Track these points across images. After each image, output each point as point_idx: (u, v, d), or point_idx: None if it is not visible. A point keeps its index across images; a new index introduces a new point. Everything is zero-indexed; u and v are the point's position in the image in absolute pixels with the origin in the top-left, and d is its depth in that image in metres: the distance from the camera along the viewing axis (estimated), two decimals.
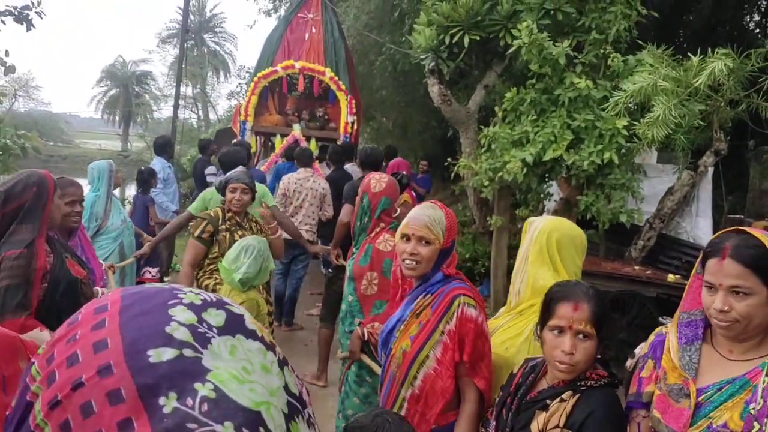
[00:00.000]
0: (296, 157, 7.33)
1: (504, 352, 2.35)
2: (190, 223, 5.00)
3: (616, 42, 6.28)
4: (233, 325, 0.71)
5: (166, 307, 0.69)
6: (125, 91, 48.82)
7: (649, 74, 5.57)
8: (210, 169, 8.88)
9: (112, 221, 5.27)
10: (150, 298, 0.71)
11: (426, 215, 2.37)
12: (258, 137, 10.03)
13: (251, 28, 25.02)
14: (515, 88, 6.50)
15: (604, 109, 5.96)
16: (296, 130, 9.66)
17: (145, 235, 6.52)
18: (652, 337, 1.98)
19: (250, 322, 0.74)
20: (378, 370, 3.24)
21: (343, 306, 3.73)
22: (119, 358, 0.65)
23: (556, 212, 6.71)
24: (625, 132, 5.81)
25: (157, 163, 8.08)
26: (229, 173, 4.56)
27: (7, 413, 0.70)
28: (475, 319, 2.27)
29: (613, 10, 6.18)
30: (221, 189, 4.41)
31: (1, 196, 2.70)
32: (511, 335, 2.38)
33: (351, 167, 8.00)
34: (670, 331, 1.90)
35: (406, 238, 2.38)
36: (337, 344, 4.12)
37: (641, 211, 6.48)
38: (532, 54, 6.13)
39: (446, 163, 7.51)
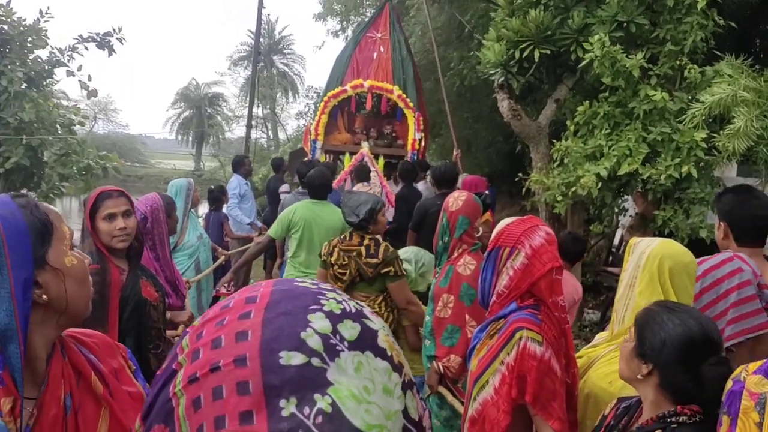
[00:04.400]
0: (354, 173, 7.49)
1: (608, 386, 2.19)
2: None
3: (692, 53, 6.11)
4: (365, 341, 0.73)
5: (306, 312, 0.73)
6: (198, 112, 50.44)
7: (729, 85, 5.40)
8: (284, 187, 9.14)
9: (188, 238, 5.43)
10: (295, 299, 0.75)
11: None
12: (328, 155, 10.18)
13: (320, 48, 25.66)
14: (587, 102, 6.40)
15: (681, 122, 5.81)
16: (365, 148, 9.75)
17: (220, 249, 6.71)
18: (729, 384, 1.65)
19: (383, 340, 0.75)
20: (455, 403, 3.24)
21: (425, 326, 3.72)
22: (255, 353, 0.69)
23: (631, 228, 6.56)
24: (704, 145, 5.64)
25: (234, 180, 8.34)
26: (364, 198, 4.20)
27: (157, 372, 0.77)
28: (539, 356, 2.15)
29: (688, 20, 6.03)
30: (370, 217, 4.08)
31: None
32: (616, 368, 2.12)
33: (423, 185, 8.05)
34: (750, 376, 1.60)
35: None
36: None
37: None
38: (604, 67, 6.03)
39: (516, 179, 7.45)
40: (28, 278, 1.25)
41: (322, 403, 0.66)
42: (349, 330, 0.73)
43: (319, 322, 0.72)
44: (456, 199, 3.50)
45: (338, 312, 0.74)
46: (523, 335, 2.18)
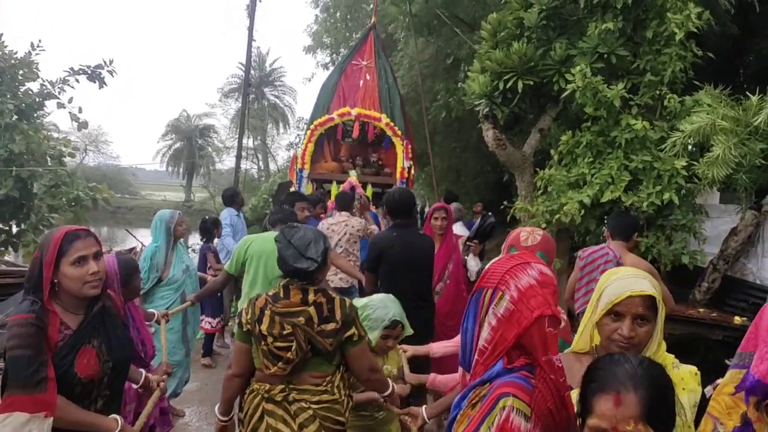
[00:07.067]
0: (335, 201, 7.32)
1: None
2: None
3: (671, 83, 6.26)
4: None
5: None
6: (189, 144, 50.54)
7: (707, 114, 5.53)
8: None
9: (173, 272, 5.26)
10: None
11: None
12: (314, 184, 10.08)
13: (310, 80, 25.93)
14: (570, 131, 6.52)
15: (661, 150, 5.93)
16: (352, 176, 9.69)
17: (210, 277, 6.68)
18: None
19: None
20: None
21: None
22: None
23: None
24: (684, 172, 5.75)
25: (225, 213, 8.32)
26: (311, 235, 3.12)
27: None
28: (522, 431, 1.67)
29: (667, 51, 6.19)
30: (324, 260, 3.01)
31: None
32: None
33: (378, 213, 7.93)
34: None
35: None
36: None
37: (704, 253, 6.33)
38: (586, 97, 6.17)
39: (502, 206, 7.53)
40: None
41: None
42: None
43: None
44: (531, 234, 2.92)
45: None
46: (507, 404, 1.70)
